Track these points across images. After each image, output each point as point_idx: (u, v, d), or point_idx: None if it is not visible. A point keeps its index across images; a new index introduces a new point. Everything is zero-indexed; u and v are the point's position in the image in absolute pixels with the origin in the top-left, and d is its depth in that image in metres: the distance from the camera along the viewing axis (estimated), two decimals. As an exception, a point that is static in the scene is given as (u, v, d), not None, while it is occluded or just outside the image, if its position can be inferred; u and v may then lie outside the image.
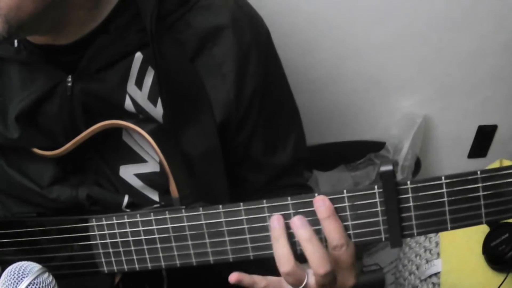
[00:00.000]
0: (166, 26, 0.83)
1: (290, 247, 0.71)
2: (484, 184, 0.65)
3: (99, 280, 0.84)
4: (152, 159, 0.86)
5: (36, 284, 0.69)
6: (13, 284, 0.69)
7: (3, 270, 0.71)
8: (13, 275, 0.69)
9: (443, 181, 0.66)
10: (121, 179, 0.87)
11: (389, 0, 1.31)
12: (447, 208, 0.67)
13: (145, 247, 0.78)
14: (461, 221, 0.67)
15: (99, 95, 0.84)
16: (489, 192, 0.65)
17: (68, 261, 0.84)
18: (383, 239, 0.70)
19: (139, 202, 0.86)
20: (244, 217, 0.73)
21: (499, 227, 1.16)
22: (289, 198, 0.71)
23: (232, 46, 0.85)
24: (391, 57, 1.39)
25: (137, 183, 0.87)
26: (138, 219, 0.78)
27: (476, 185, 0.66)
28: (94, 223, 0.80)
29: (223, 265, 0.76)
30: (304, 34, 1.34)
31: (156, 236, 0.77)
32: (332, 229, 0.70)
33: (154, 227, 0.77)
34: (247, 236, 0.74)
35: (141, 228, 0.78)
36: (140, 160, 0.86)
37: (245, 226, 0.73)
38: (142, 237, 0.78)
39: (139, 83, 0.84)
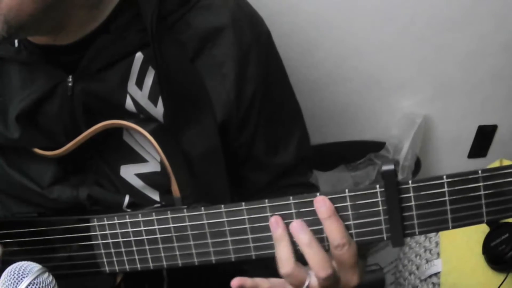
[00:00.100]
0: (166, 26, 0.83)
1: (291, 249, 0.71)
2: (485, 183, 0.65)
3: (101, 280, 0.84)
4: (153, 159, 0.86)
5: (36, 284, 0.69)
6: (13, 284, 0.69)
7: (3, 270, 0.71)
8: (13, 275, 0.69)
9: (445, 180, 0.66)
10: (122, 179, 0.87)
11: (389, 0, 1.31)
12: (448, 207, 0.67)
13: (147, 247, 0.78)
14: (462, 220, 0.67)
15: (100, 95, 0.84)
16: (490, 191, 0.66)
17: (70, 261, 0.84)
18: (385, 238, 0.70)
19: (139, 202, 0.86)
20: (246, 216, 0.73)
21: (499, 227, 1.16)
22: (291, 198, 0.71)
23: (232, 46, 0.85)
24: (391, 57, 1.40)
25: (138, 183, 0.87)
26: (140, 219, 0.78)
27: (477, 184, 0.66)
28: (96, 223, 0.80)
29: (223, 265, 0.76)
30: (304, 34, 1.34)
31: (158, 236, 0.77)
32: (333, 229, 0.70)
33: (156, 227, 0.77)
34: (249, 235, 0.74)
35: (143, 228, 0.78)
36: (141, 160, 0.86)
37: (247, 226, 0.73)
38: (144, 237, 0.78)
39: (139, 83, 0.84)
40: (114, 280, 0.85)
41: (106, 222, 0.80)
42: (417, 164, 1.50)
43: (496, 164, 1.32)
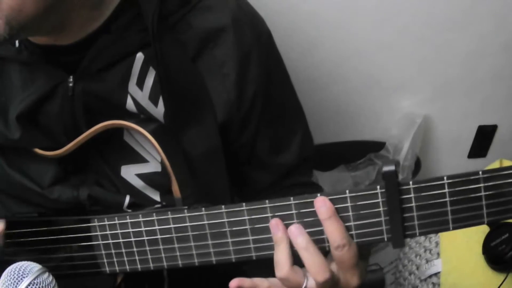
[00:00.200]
0: (167, 26, 0.83)
1: (289, 252, 0.71)
2: (486, 184, 0.65)
3: (101, 281, 0.84)
4: (154, 159, 0.86)
5: (36, 284, 0.69)
6: (13, 284, 0.69)
7: (3, 270, 0.71)
8: (13, 275, 0.69)
9: (445, 181, 0.66)
10: (123, 179, 0.87)
11: (389, 0, 1.31)
12: (449, 208, 0.67)
13: (147, 247, 0.78)
14: (463, 221, 0.67)
15: (100, 95, 0.84)
16: (490, 192, 0.65)
17: (70, 261, 0.84)
18: (385, 239, 0.70)
19: (140, 202, 0.86)
20: (246, 217, 0.73)
21: (499, 227, 1.16)
22: (291, 198, 0.71)
23: (233, 47, 0.85)
24: (391, 57, 1.40)
25: (138, 183, 0.87)
26: (140, 219, 0.78)
27: (478, 185, 0.66)
28: (96, 224, 0.80)
29: (224, 265, 0.76)
30: (304, 34, 1.34)
31: (159, 236, 0.77)
32: (333, 230, 0.70)
33: (157, 227, 0.77)
34: (250, 237, 0.73)
35: (143, 229, 0.78)
36: (141, 160, 0.86)
37: (248, 226, 0.73)
38: (144, 238, 0.78)
39: (140, 83, 0.84)
40: (115, 280, 0.85)
41: (106, 223, 0.80)
42: (417, 164, 1.50)
43: (496, 164, 1.32)
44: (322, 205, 0.70)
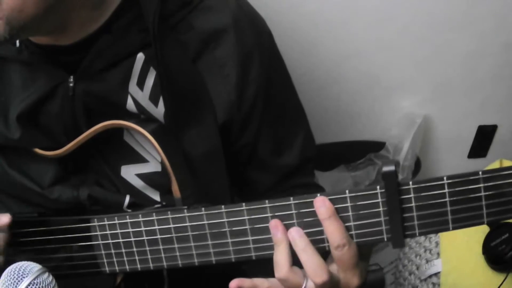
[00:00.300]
0: (168, 26, 0.83)
1: (288, 253, 0.71)
2: (486, 184, 0.65)
3: (101, 280, 0.84)
4: (154, 159, 0.86)
5: (36, 284, 0.69)
6: (13, 284, 0.69)
7: (3, 270, 0.71)
8: (13, 275, 0.69)
9: (445, 181, 0.66)
10: (123, 179, 0.87)
11: (389, 0, 1.31)
12: (449, 209, 0.67)
13: (147, 247, 0.78)
14: (463, 221, 0.67)
15: (101, 95, 0.84)
16: (490, 193, 0.65)
17: (70, 261, 0.84)
18: (385, 239, 0.70)
19: (140, 202, 0.86)
20: (246, 217, 0.73)
21: (499, 227, 1.16)
22: (291, 198, 0.71)
23: (233, 48, 0.85)
24: (391, 57, 1.39)
25: (138, 183, 0.87)
26: (140, 219, 0.78)
27: (478, 186, 0.66)
28: (96, 223, 0.80)
29: (223, 265, 0.76)
30: (304, 34, 1.34)
31: (158, 236, 0.77)
32: (333, 230, 0.70)
33: (156, 227, 0.77)
34: (249, 236, 0.74)
35: (143, 229, 0.78)
36: (141, 160, 0.86)
37: (247, 226, 0.73)
38: (144, 238, 0.78)
39: (140, 84, 0.84)
40: (114, 280, 0.85)
41: (106, 222, 0.80)
42: (417, 164, 1.50)
43: (496, 164, 1.32)
44: (321, 205, 0.70)
